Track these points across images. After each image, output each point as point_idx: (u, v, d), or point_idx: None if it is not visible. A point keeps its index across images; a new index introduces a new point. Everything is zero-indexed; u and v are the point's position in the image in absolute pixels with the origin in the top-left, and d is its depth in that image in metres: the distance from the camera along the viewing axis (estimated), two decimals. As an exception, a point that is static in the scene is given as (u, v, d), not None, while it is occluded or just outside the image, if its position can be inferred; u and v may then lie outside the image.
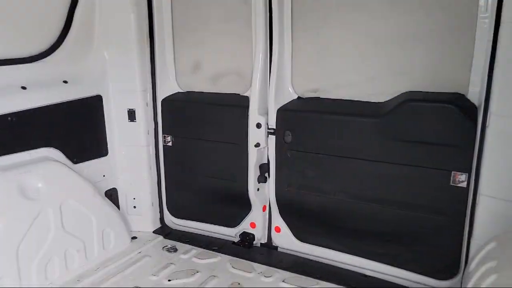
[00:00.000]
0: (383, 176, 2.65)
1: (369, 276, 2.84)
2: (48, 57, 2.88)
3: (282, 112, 2.99)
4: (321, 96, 2.99)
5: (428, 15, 2.49)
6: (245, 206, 3.25)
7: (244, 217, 3.30)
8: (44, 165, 2.69)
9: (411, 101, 2.50)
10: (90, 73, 3.15)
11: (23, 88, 2.68)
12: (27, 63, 2.74)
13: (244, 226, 3.31)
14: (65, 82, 2.98)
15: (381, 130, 2.59)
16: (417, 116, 2.46)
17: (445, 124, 2.39)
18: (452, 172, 2.43)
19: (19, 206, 2.46)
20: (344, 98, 2.88)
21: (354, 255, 2.88)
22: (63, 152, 2.91)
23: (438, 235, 2.55)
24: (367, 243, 2.81)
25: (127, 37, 3.22)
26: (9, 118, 2.56)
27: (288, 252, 3.17)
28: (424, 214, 2.57)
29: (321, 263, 3.00)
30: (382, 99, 2.72)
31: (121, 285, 2.72)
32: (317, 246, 3.04)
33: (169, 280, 2.78)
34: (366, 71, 2.77)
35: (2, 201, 2.40)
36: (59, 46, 2.95)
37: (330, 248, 2.98)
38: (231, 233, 3.37)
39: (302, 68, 3.02)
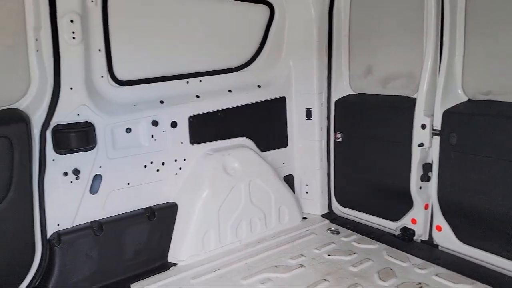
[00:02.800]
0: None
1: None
2: (248, 67, 3.71)
3: (449, 114, 3.06)
4: (494, 99, 2.93)
5: None
6: (407, 202, 3.42)
7: (405, 213, 3.47)
8: (240, 150, 3.52)
9: None
10: (277, 79, 3.87)
11: (229, 91, 3.56)
12: (233, 72, 3.61)
13: (405, 221, 3.49)
14: (259, 86, 3.76)
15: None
16: None
17: None
18: None
19: (222, 179, 3.33)
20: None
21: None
22: (254, 142, 3.71)
23: None
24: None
25: (309, 47, 3.80)
26: (219, 114, 3.47)
27: (449, 251, 3.21)
28: None
29: (482, 266, 2.95)
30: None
31: (289, 252, 3.31)
32: (480, 249, 3.00)
33: (328, 255, 3.23)
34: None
35: (211, 173, 3.30)
36: (256, 58, 3.75)
37: (494, 253, 2.90)
38: (391, 226, 3.59)
39: (474, 71, 3.02)
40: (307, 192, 4.05)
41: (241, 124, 3.63)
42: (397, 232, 3.53)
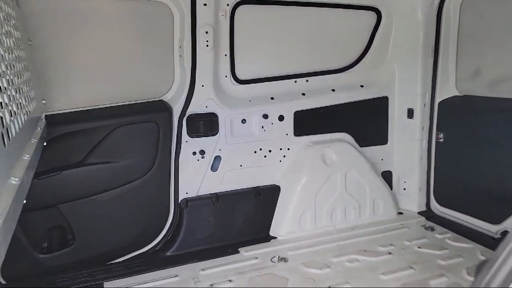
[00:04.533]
0: None
1: None
2: (352, 69, 4.03)
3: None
4: None
5: None
6: (509, 206, 3.39)
7: (508, 216, 3.43)
8: (339, 144, 3.89)
9: None
10: (381, 79, 4.11)
11: (333, 90, 3.94)
12: (337, 73, 3.98)
13: (507, 224, 3.44)
14: (361, 86, 4.06)
15: None
16: None
17: None
18: None
19: (319, 168, 3.74)
20: None
21: None
22: (353, 137, 4.03)
23: None
24: None
25: (415, 49, 3.95)
26: (321, 110, 3.88)
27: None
28: None
29: None
30: None
31: (380, 240, 3.57)
32: None
33: (418, 247, 3.41)
34: None
35: (310, 162, 3.74)
36: (360, 60, 4.05)
37: None
38: (492, 229, 3.56)
39: None
40: (404, 189, 4.21)
41: (342, 120, 3.98)
42: (497, 236, 3.50)
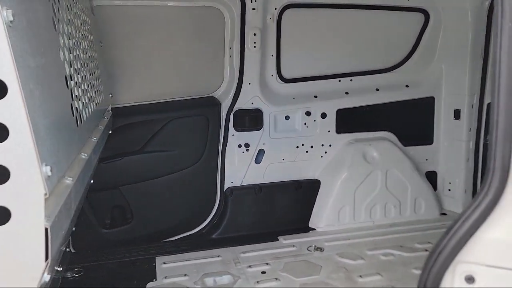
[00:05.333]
0: None
1: None
2: (397, 69, 4.09)
3: None
4: None
5: None
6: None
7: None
8: (381, 142, 3.97)
9: None
10: (427, 80, 4.12)
11: (377, 89, 4.03)
12: (382, 73, 4.07)
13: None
14: (407, 86, 4.10)
15: None
16: None
17: None
18: None
19: (360, 164, 3.86)
20: None
21: None
22: (396, 136, 4.09)
23: None
24: None
25: (464, 50, 3.92)
26: (364, 109, 3.99)
27: None
28: None
29: None
30: None
31: (418, 238, 3.61)
32: None
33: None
34: None
35: (351, 159, 3.87)
36: (406, 61, 4.10)
37: None
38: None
39: None
40: (449, 190, 4.18)
41: (385, 119, 4.06)
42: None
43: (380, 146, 3.94)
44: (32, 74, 1.13)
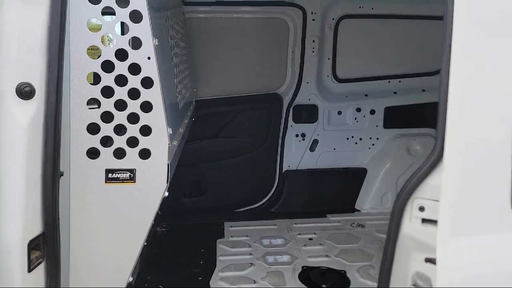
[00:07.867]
0: None
1: None
2: (444, 72, 4.49)
3: None
4: None
5: None
6: None
7: None
8: (425, 137, 4.42)
9: None
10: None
11: (423, 90, 4.48)
12: (429, 75, 4.50)
13: None
14: (453, 88, 4.48)
15: None
16: None
17: None
18: None
19: (403, 157, 4.37)
20: None
21: None
22: (440, 133, 4.49)
23: None
24: None
25: None
26: (410, 108, 4.45)
27: None
28: None
29: None
30: None
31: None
32: None
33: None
34: None
35: (396, 151, 4.38)
36: (453, 64, 4.48)
37: None
38: None
39: None
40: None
41: (430, 117, 4.48)
42: None
43: (424, 141, 4.39)
44: (163, 74, 1.92)
